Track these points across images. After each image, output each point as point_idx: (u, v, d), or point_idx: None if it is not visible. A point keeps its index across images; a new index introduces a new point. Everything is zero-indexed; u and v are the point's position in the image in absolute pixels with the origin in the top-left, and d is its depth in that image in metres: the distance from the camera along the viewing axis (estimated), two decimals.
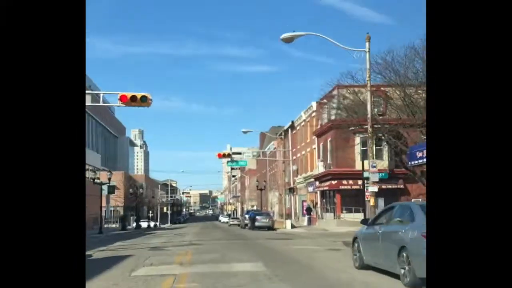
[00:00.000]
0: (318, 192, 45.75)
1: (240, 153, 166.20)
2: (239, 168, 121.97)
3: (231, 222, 76.15)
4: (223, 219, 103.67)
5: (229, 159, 40.98)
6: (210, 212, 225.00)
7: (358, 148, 39.40)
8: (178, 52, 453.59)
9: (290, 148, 42.97)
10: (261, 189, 60.66)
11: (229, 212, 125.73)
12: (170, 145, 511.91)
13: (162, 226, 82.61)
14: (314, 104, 46.99)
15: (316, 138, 46.41)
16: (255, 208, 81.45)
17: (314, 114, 47.65)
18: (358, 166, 39.47)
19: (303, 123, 52.36)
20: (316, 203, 47.24)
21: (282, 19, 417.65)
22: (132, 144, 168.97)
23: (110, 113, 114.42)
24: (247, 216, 48.92)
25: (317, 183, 45.36)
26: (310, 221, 45.08)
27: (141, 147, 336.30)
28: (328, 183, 40.46)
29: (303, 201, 52.34)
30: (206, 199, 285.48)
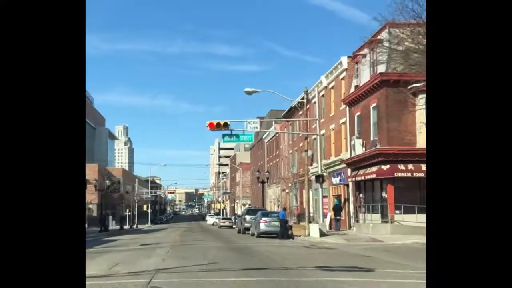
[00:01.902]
0: (351, 184, 32.35)
1: (231, 149, 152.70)
2: (231, 162, 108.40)
3: (222, 224, 63.10)
4: (211, 219, 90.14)
5: (226, 133, 27.35)
6: (196, 211, 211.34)
7: (421, 116, 26.10)
8: (167, 50, 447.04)
9: (317, 115, 29.32)
10: (262, 182, 47.10)
11: (217, 211, 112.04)
12: (156, 144, 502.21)
13: (140, 227, 69.13)
14: (344, 60, 33.60)
15: (347, 108, 33.00)
16: (247, 206, 67.94)
17: (344, 74, 34.25)
18: (423, 143, 26.15)
19: (323, 92, 38.89)
20: (346, 200, 33.89)
21: (272, 18, 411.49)
22: (113, 137, 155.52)
23: (88, 102, 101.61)
24: (248, 217, 35.38)
25: (350, 171, 32.01)
26: (338, 225, 31.71)
27: (125, 143, 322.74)
28: (374, 169, 27.04)
29: (322, 197, 38.89)
30: (192, 198, 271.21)
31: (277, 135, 59.59)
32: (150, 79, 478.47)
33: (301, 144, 46.59)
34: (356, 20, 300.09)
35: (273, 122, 56.84)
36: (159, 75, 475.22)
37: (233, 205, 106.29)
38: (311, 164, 43.10)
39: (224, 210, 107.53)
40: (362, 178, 28.87)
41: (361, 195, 31.16)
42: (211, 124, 26.81)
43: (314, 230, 26.83)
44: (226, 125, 26.92)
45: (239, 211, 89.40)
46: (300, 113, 38.26)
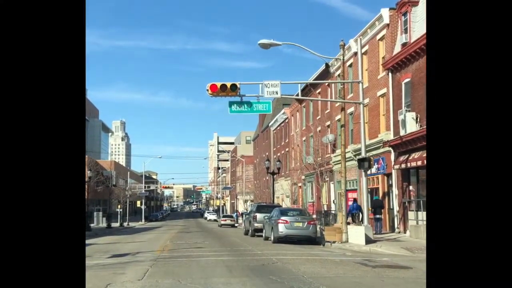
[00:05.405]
0: (394, 173, 24.89)
1: (231, 143, 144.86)
2: (232, 157, 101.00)
3: (222, 222, 55.90)
4: (210, 216, 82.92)
5: (234, 100, 19.87)
6: (194, 207, 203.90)
7: None
8: (167, 47, 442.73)
9: (361, 74, 21.35)
10: (273, 173, 39.56)
11: (216, 208, 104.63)
12: (155, 140, 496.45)
13: (132, 224, 61.91)
14: (385, 13, 26.01)
15: (390, 75, 25.50)
16: (249, 203, 60.53)
17: (383, 32, 26.68)
18: None
19: (351, 60, 31.38)
20: (386, 194, 26.45)
21: (272, 15, 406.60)
22: (106, 129, 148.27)
23: None
24: (259, 215, 27.87)
25: (394, 156, 24.61)
26: (379, 227, 24.29)
27: (122, 139, 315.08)
28: None
29: (347, 191, 31.34)
30: (190, 194, 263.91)
31: (287, 119, 52.05)
32: (150, 75, 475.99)
33: (318, 129, 39.11)
34: (357, 17, 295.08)
35: (287, 103, 49.57)
36: (159, 72, 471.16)
37: (233, 201, 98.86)
38: (334, 151, 35.69)
39: (224, 207, 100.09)
40: (417, 163, 21.35)
41: (411, 188, 23.68)
42: (213, 87, 19.31)
43: (356, 234, 19.38)
44: (234, 87, 19.37)
45: (240, 207, 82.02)
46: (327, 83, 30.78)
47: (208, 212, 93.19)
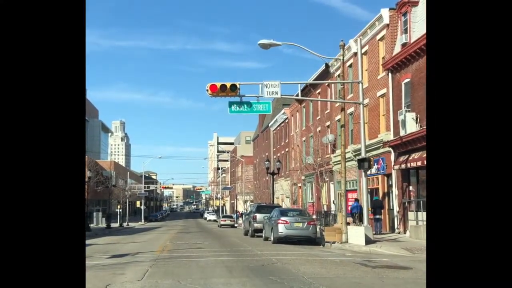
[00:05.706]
0: (394, 173, 24.88)
1: (231, 143, 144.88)
2: (232, 157, 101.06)
3: (222, 222, 55.95)
4: (209, 216, 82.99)
5: (233, 100, 19.85)
6: (194, 207, 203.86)
7: None
8: (167, 47, 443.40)
9: (360, 75, 21.36)
10: (273, 174, 39.51)
11: (216, 208, 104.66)
12: (155, 141, 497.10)
13: (132, 225, 61.88)
14: (385, 13, 26.00)
15: (389, 75, 25.49)
16: (249, 204, 60.58)
17: (383, 33, 26.68)
18: None
19: (351, 61, 31.38)
20: (385, 194, 26.44)
21: (272, 15, 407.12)
22: (106, 129, 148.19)
23: None
24: (259, 216, 27.83)
25: (394, 156, 24.60)
26: (379, 227, 24.29)
27: (122, 139, 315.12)
28: None
29: (347, 191, 31.32)
30: (190, 194, 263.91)
31: (287, 120, 52.05)
32: (150, 75, 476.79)
33: (318, 129, 39.12)
34: (357, 17, 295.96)
35: (285, 105, 49.53)
36: (159, 72, 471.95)
37: (233, 201, 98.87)
38: (334, 152, 35.70)
39: (224, 207, 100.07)
40: (417, 164, 21.34)
41: (410, 188, 23.67)
42: (213, 87, 19.29)
43: (356, 235, 19.37)
44: (234, 88, 19.36)
45: (240, 208, 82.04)
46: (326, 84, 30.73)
47: (207, 213, 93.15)
